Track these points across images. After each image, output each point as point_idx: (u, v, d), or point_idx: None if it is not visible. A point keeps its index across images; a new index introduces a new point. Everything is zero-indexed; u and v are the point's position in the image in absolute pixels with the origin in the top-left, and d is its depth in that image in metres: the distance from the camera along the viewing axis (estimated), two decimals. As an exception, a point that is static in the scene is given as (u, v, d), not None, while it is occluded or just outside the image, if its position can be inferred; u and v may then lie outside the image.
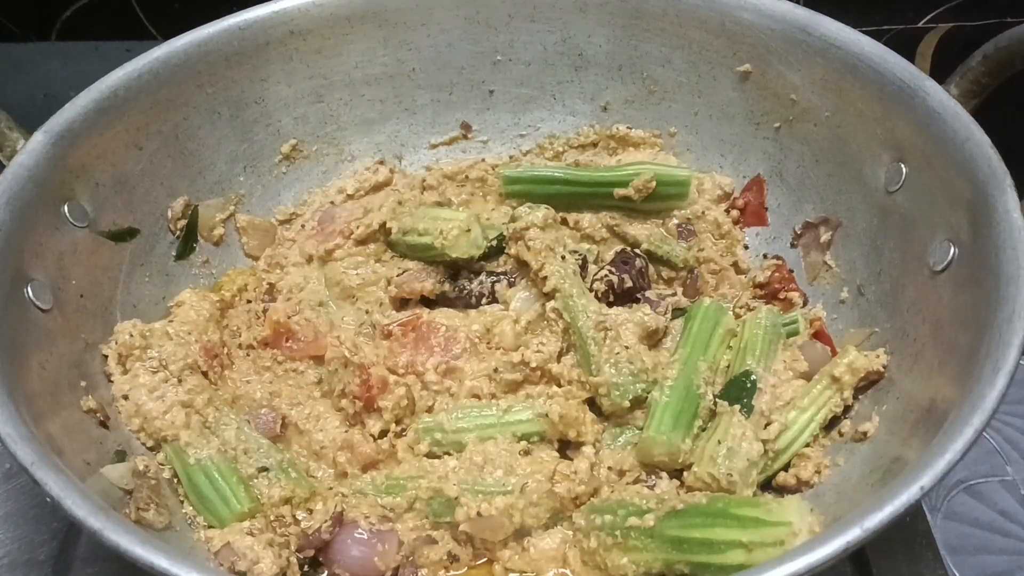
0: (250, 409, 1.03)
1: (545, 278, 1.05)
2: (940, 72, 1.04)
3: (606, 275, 1.09)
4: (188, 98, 1.16)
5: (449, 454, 0.96)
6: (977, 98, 1.02)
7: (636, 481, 0.94)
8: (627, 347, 1.01)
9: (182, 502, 0.95)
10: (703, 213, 1.19)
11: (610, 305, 1.08)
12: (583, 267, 1.10)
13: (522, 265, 1.08)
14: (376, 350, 1.04)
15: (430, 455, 0.97)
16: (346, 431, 1.01)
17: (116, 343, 1.03)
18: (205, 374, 1.04)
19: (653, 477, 0.94)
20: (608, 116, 1.30)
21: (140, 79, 1.10)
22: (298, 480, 0.97)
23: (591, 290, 1.08)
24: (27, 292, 0.95)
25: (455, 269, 1.11)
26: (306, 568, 0.92)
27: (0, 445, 0.78)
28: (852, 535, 0.69)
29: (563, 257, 1.07)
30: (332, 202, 1.25)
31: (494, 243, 1.11)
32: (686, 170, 1.21)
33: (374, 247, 1.18)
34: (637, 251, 1.14)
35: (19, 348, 0.90)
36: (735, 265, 1.18)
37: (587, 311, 1.03)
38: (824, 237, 1.13)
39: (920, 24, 1.48)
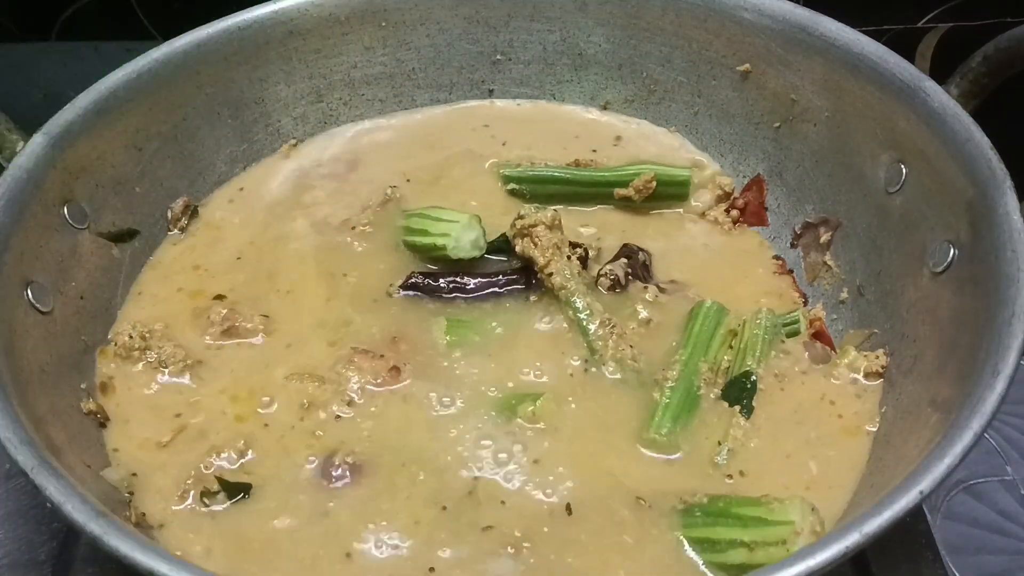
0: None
1: (551, 275, 1.05)
2: (940, 72, 1.04)
3: (610, 270, 1.09)
4: (187, 99, 1.16)
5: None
6: (977, 98, 1.02)
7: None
8: (631, 345, 1.02)
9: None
10: (703, 213, 1.20)
11: (627, 276, 1.08)
12: (584, 260, 1.10)
13: (526, 264, 1.08)
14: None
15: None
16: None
17: (116, 344, 1.03)
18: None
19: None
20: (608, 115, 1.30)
21: (139, 80, 1.10)
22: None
23: (596, 285, 1.08)
24: (27, 294, 0.95)
25: (457, 269, 1.11)
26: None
27: (0, 447, 0.78)
28: (851, 540, 0.69)
29: (568, 257, 1.07)
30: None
31: (496, 243, 1.11)
32: (686, 170, 1.21)
33: (375, 245, 1.18)
34: (639, 247, 1.14)
35: (19, 351, 0.90)
36: (735, 265, 1.18)
37: (591, 308, 1.04)
38: (824, 237, 1.13)
39: (920, 24, 1.48)
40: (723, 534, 0.85)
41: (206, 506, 0.91)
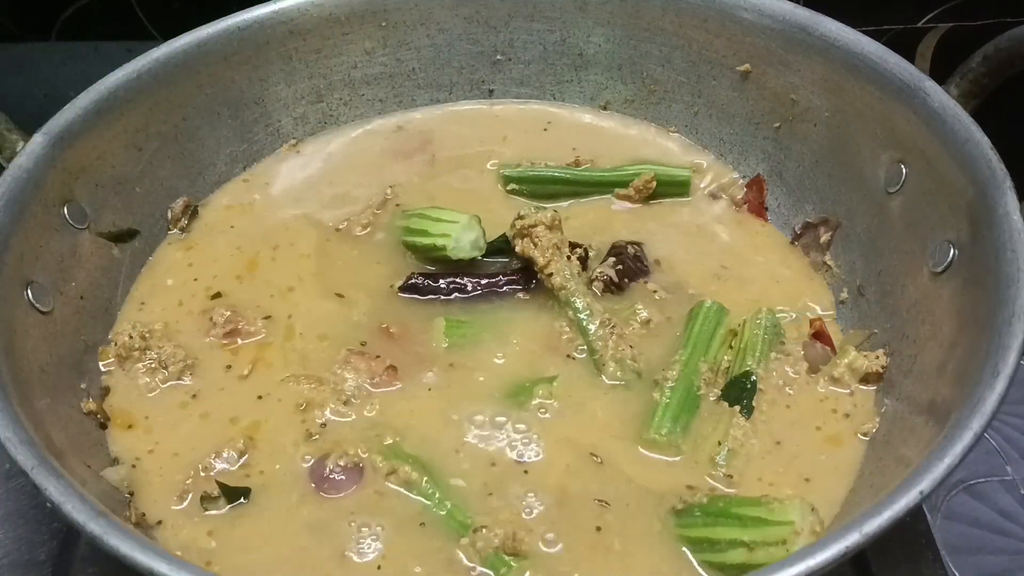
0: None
1: (551, 275, 1.05)
2: (940, 72, 1.04)
3: (601, 272, 1.09)
4: (188, 99, 1.16)
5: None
6: (977, 98, 1.02)
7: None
8: (631, 345, 1.02)
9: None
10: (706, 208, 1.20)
11: (620, 277, 1.08)
12: (584, 260, 1.10)
13: (525, 264, 1.08)
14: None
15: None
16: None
17: (115, 344, 1.03)
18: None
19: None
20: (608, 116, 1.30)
21: (140, 80, 1.10)
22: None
23: (590, 288, 1.08)
24: (27, 294, 0.95)
25: (456, 269, 1.11)
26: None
27: (0, 447, 0.78)
28: (851, 540, 0.69)
29: (568, 257, 1.07)
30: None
31: (496, 243, 1.11)
32: (686, 170, 1.21)
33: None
34: (627, 241, 1.14)
35: (19, 350, 0.90)
36: (735, 265, 1.18)
37: (591, 308, 1.04)
38: (824, 237, 1.13)
39: (920, 24, 1.48)
40: (723, 534, 0.85)
41: (206, 511, 0.91)
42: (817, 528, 0.83)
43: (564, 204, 1.20)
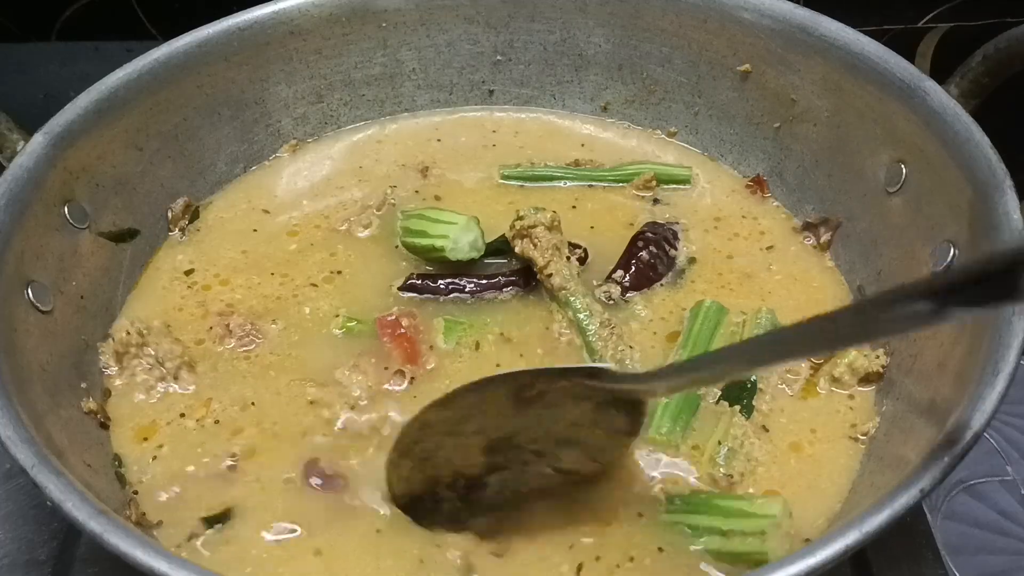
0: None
1: (550, 275, 1.05)
2: (940, 72, 1.04)
3: (606, 291, 1.08)
4: (188, 99, 1.16)
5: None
6: (977, 98, 1.02)
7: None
8: (631, 346, 1.02)
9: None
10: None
11: (624, 291, 1.08)
12: (583, 260, 1.10)
13: (525, 265, 1.08)
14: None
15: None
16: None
17: (114, 340, 1.03)
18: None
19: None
20: (608, 116, 1.30)
21: (140, 80, 1.10)
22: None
23: (597, 300, 1.08)
24: (27, 294, 0.95)
25: (455, 270, 1.11)
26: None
27: (0, 446, 0.78)
28: (851, 538, 0.69)
29: (567, 257, 1.07)
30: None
31: (495, 244, 1.11)
32: (686, 169, 1.22)
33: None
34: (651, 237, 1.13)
35: (19, 350, 0.90)
36: (735, 265, 1.18)
37: (590, 309, 1.04)
38: (824, 237, 1.13)
39: (920, 24, 1.49)
40: (701, 521, 0.87)
41: (194, 541, 0.89)
42: (791, 531, 0.84)
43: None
